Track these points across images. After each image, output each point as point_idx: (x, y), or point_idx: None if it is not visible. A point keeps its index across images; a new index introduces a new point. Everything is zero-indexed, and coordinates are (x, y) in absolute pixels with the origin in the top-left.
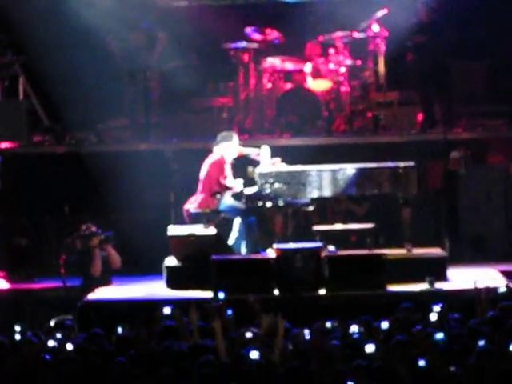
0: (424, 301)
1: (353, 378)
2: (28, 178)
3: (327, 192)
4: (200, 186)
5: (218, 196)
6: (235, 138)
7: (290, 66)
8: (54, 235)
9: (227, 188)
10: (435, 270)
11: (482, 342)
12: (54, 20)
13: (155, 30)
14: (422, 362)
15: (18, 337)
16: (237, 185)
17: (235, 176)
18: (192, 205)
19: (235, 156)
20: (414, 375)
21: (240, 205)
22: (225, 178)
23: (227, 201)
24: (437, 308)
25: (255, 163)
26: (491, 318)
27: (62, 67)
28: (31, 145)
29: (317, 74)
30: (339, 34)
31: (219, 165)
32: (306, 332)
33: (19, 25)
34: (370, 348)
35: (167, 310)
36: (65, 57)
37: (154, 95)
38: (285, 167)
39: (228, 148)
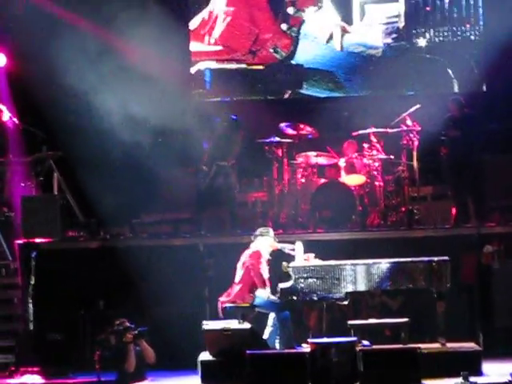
0: None
1: None
2: (62, 273)
3: (362, 286)
4: (237, 279)
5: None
6: (271, 233)
7: (323, 160)
8: (88, 330)
9: (264, 283)
10: (470, 364)
11: None
12: (88, 117)
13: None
14: None
15: None
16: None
17: (270, 271)
18: (227, 298)
19: (271, 251)
20: None
21: (275, 299)
22: (259, 274)
23: (262, 295)
24: None
25: (289, 258)
26: None
27: (97, 163)
28: (66, 240)
29: (351, 168)
30: (373, 129)
31: (258, 258)
32: None
33: (54, 121)
34: None
35: None
36: (99, 153)
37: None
38: (319, 262)
39: (265, 243)
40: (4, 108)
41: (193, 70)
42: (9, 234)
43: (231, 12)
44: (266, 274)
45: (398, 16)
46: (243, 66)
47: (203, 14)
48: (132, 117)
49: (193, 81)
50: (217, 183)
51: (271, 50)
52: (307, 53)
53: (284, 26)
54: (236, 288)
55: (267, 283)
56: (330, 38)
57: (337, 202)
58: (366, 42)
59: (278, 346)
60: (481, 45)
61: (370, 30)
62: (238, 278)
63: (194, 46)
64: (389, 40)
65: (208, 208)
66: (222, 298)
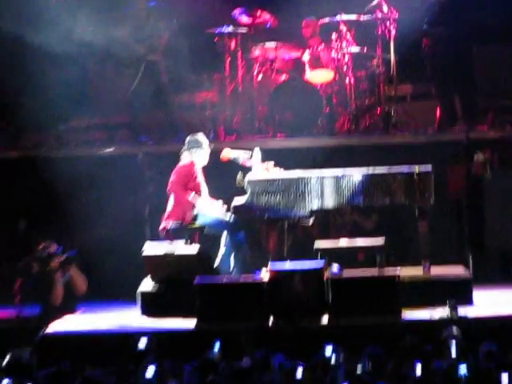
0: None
1: None
2: None
3: (330, 202)
4: (170, 198)
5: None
6: (205, 141)
7: (284, 53)
8: (6, 256)
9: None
10: (458, 292)
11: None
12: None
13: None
14: None
15: None
16: (201, 202)
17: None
18: (166, 221)
19: (206, 163)
20: None
21: (227, 218)
22: (194, 187)
23: (211, 213)
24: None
25: (245, 169)
26: None
27: (18, 59)
28: None
29: (316, 63)
30: (342, 16)
31: (188, 173)
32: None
33: None
34: None
35: (143, 343)
36: (20, 47)
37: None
38: (279, 173)
39: (199, 154)
40: None
41: None
42: None
43: None
44: (204, 189)
45: None
46: None
47: None
48: None
49: None
50: (146, 84)
51: None
52: None
53: None
54: (172, 208)
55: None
56: None
57: (300, 102)
58: None
59: (231, 272)
60: None
61: None
62: (171, 197)
63: None
64: None
65: (141, 113)
66: (162, 224)
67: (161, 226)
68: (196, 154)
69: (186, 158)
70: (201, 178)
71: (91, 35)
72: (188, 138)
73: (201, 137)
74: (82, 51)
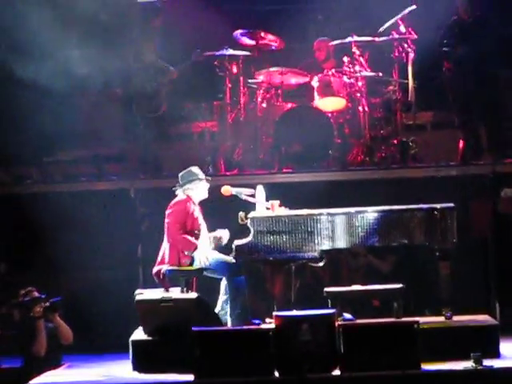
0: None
1: None
2: None
3: (341, 243)
4: (165, 240)
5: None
6: (200, 173)
7: (291, 78)
8: None
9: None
10: (483, 342)
11: None
12: None
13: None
14: None
15: None
16: (197, 245)
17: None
18: (160, 265)
19: (205, 197)
20: None
21: (228, 260)
22: (192, 225)
23: (211, 255)
24: None
25: (248, 206)
26: None
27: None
28: None
29: (326, 89)
30: (355, 37)
31: (183, 209)
32: None
33: None
34: None
35: None
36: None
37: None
38: (286, 212)
39: (194, 188)
40: None
41: None
42: None
43: None
44: (202, 227)
45: None
46: None
47: None
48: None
49: None
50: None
51: None
52: None
53: None
54: (166, 252)
55: (191, 242)
56: None
57: (308, 132)
58: None
59: (232, 320)
60: None
61: None
62: (165, 240)
63: None
64: None
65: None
66: (156, 268)
67: (154, 270)
68: (190, 190)
69: (180, 194)
70: (198, 214)
71: (86, 69)
72: (180, 174)
73: (194, 169)
74: (74, 85)
